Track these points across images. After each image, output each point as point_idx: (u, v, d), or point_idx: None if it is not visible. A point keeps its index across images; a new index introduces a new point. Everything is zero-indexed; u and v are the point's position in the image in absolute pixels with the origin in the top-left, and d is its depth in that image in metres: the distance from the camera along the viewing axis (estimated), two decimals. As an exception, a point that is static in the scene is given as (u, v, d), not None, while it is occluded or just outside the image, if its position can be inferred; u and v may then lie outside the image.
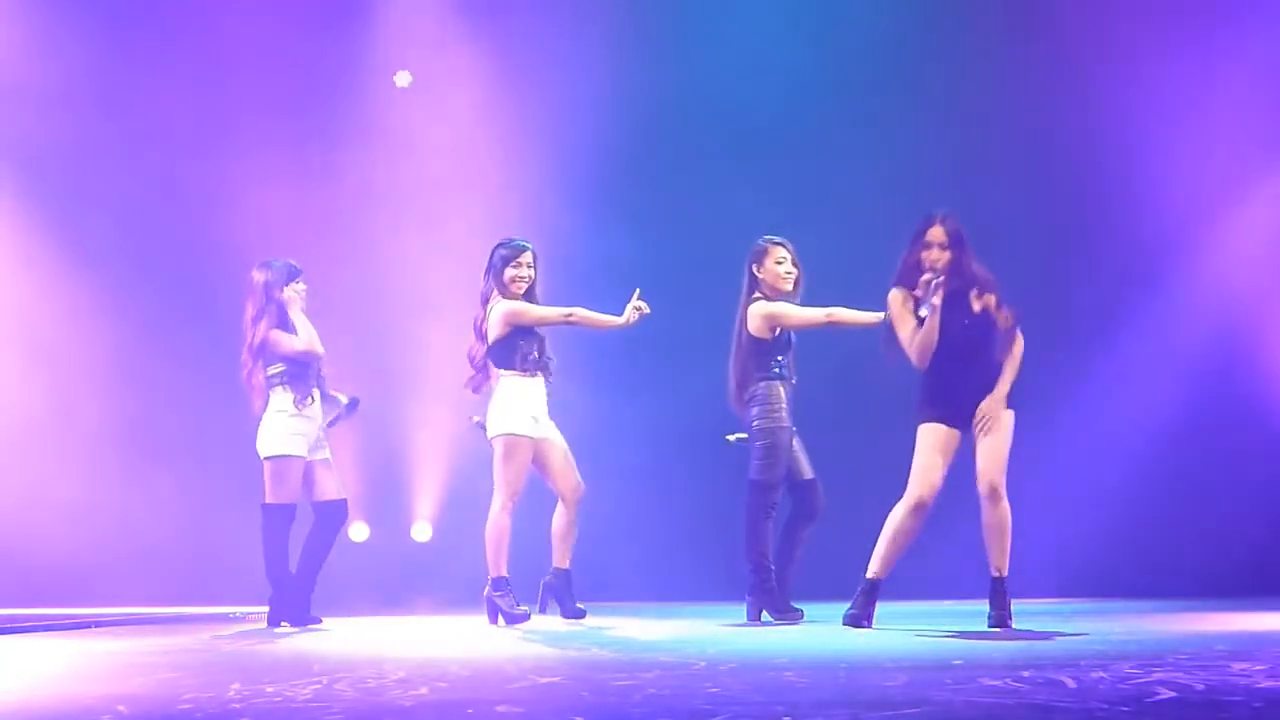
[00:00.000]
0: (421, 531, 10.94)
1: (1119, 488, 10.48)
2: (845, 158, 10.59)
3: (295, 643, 6.52)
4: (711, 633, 6.74)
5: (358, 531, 10.96)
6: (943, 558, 9.97)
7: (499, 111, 10.98)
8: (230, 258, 9.95)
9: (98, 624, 7.98)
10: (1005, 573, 6.85)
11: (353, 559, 10.72)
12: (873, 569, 6.93)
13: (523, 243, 7.79)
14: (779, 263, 7.71)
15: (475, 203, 10.83)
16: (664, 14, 10.97)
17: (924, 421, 6.91)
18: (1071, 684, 4.14)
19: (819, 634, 6.73)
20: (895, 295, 6.97)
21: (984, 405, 6.85)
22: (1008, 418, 6.87)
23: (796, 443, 7.70)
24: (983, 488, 6.84)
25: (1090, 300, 10.70)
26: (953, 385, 6.86)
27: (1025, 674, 4.39)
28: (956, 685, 4.18)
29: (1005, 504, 6.83)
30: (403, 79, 11.17)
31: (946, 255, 6.88)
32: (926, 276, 6.81)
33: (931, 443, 6.86)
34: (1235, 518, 10.41)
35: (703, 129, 10.91)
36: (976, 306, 6.88)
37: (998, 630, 6.65)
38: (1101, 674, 4.38)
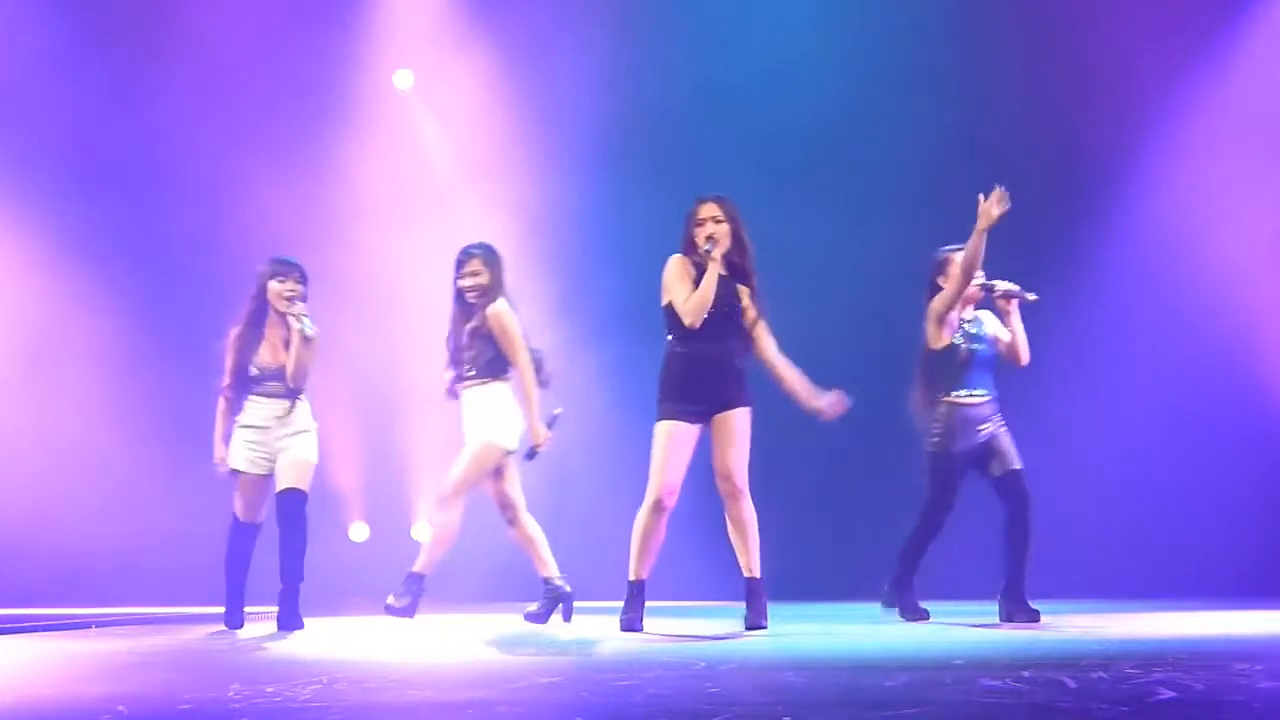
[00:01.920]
0: (421, 531, 10.93)
1: (1118, 488, 10.48)
2: (862, 151, 10.60)
3: (295, 643, 6.52)
4: (712, 633, 6.73)
5: (358, 531, 10.96)
6: (939, 557, 9.97)
7: (502, 111, 10.96)
8: (231, 258, 9.95)
9: (98, 624, 7.97)
10: (756, 574, 6.78)
11: (353, 559, 10.73)
12: (632, 572, 6.86)
13: (469, 249, 7.69)
14: None
15: (476, 202, 10.84)
16: (666, 9, 10.97)
17: (662, 418, 6.79)
18: (1071, 684, 4.14)
19: (819, 634, 6.72)
20: (675, 259, 6.86)
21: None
22: (742, 416, 6.77)
23: (997, 441, 7.50)
24: (723, 488, 6.79)
25: (1091, 300, 10.70)
26: (695, 379, 6.76)
27: (1025, 674, 4.39)
28: (956, 685, 4.18)
29: (746, 503, 6.76)
30: (403, 79, 11.16)
31: (725, 228, 6.82)
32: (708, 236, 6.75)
33: (668, 440, 6.76)
34: (1235, 518, 10.40)
35: (712, 124, 10.89)
36: (743, 300, 6.84)
37: (752, 633, 6.61)
38: (1101, 674, 4.38)
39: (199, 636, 7.11)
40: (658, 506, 6.75)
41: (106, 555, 10.34)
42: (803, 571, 9.96)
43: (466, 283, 7.63)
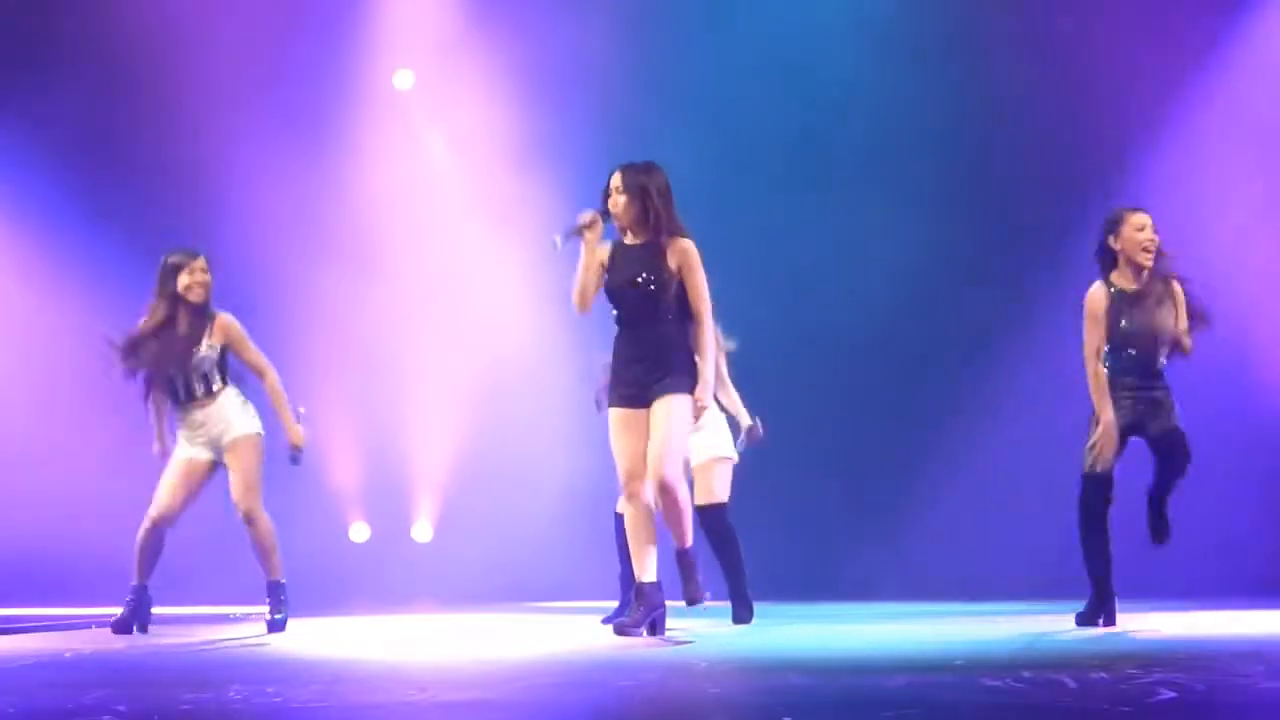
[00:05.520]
0: (421, 531, 10.94)
1: (1118, 488, 10.46)
2: (864, 148, 10.62)
3: (295, 643, 6.52)
4: (712, 633, 6.73)
5: (358, 532, 10.96)
6: (941, 558, 9.98)
7: (505, 112, 10.94)
8: (232, 259, 9.95)
9: (98, 624, 7.96)
10: (648, 579, 6.42)
11: (353, 559, 10.74)
12: (635, 572, 6.51)
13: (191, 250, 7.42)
14: (1139, 229, 6.91)
15: (474, 203, 10.84)
16: (666, 9, 10.97)
17: (608, 405, 6.50)
18: (1071, 684, 4.14)
19: (819, 634, 6.73)
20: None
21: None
22: (670, 403, 6.28)
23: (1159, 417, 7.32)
24: (652, 480, 6.31)
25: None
26: (626, 360, 6.41)
27: (1025, 674, 4.39)
28: (956, 685, 4.18)
29: (675, 495, 6.30)
30: (403, 80, 11.15)
31: (622, 199, 6.39)
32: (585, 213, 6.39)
33: (613, 429, 6.43)
34: (1235, 517, 10.40)
35: (715, 119, 10.88)
36: (667, 272, 6.34)
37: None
38: (1101, 674, 4.38)
39: (199, 637, 7.12)
40: (626, 498, 6.44)
41: (107, 555, 10.33)
42: (803, 571, 9.98)
43: (202, 280, 7.37)
